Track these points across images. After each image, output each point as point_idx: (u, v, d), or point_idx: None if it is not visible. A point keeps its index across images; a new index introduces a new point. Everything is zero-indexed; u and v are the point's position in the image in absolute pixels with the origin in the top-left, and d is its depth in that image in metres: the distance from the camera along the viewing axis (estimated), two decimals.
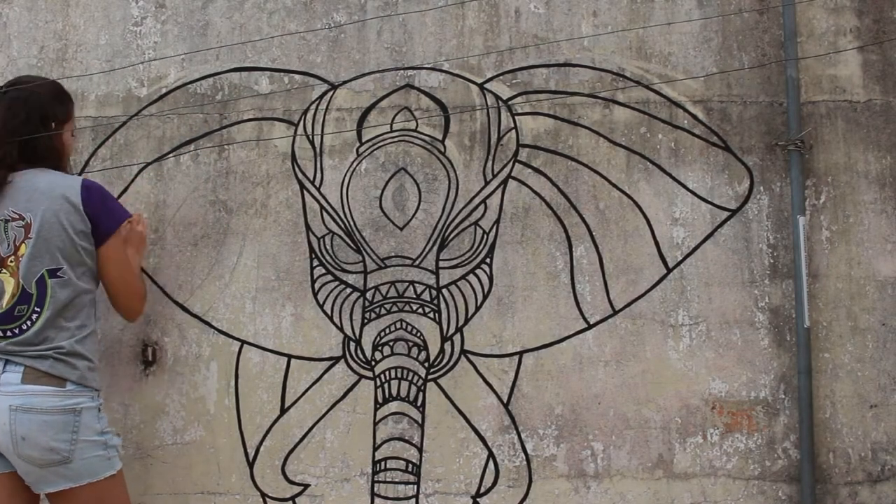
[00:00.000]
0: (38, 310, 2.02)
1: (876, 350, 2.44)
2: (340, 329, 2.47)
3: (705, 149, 2.52)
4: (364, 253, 2.48)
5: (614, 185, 2.50)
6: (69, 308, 2.06)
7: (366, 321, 2.45)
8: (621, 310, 2.46)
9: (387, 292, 2.46)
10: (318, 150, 2.53)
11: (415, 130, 2.53)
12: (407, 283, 2.46)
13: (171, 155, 2.55)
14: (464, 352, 2.45)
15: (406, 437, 2.42)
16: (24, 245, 2.03)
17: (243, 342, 2.47)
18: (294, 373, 2.45)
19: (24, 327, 2.01)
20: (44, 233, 2.04)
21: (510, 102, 2.54)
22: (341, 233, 2.50)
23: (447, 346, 2.45)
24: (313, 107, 2.55)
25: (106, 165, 2.54)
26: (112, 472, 2.05)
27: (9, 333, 2.01)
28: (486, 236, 2.49)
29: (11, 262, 2.04)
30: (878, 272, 2.47)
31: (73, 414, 1.98)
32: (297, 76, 2.56)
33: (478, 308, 2.46)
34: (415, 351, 2.43)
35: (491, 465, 2.42)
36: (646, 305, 2.46)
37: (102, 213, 2.13)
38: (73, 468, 1.98)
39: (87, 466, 2.00)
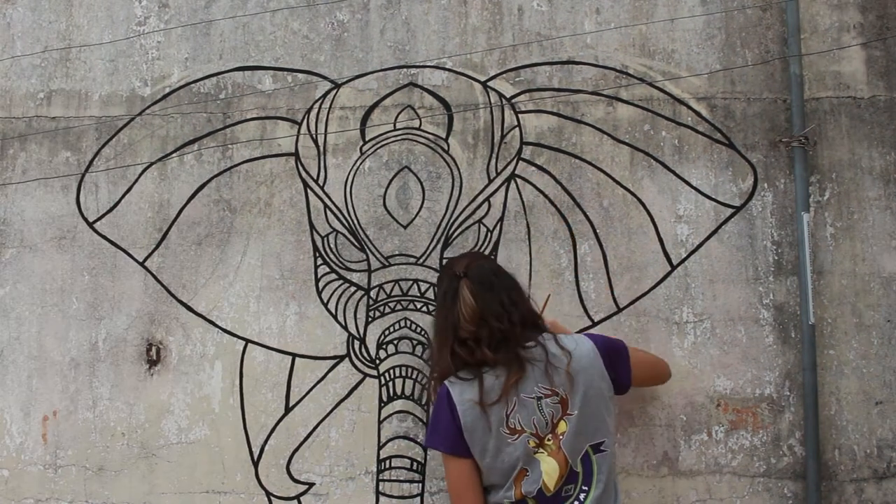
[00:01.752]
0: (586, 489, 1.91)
1: (881, 346, 2.44)
2: (345, 327, 2.47)
3: (709, 146, 2.51)
4: (368, 251, 2.48)
5: (618, 183, 2.50)
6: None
7: (370, 319, 2.45)
8: (626, 307, 2.46)
9: (391, 290, 2.46)
10: (321, 148, 2.53)
11: (418, 129, 2.53)
12: (411, 282, 2.46)
13: (174, 154, 2.55)
14: None
15: (411, 436, 2.42)
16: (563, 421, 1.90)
17: (248, 341, 2.47)
18: (298, 371, 2.45)
19: None
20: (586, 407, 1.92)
21: (513, 100, 2.54)
22: (345, 231, 2.50)
23: None
24: (317, 105, 2.55)
25: (110, 165, 2.55)
26: None
27: None
28: (489, 234, 2.49)
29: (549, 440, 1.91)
30: (883, 268, 2.46)
31: None
32: (300, 75, 2.56)
33: None
34: (419, 349, 2.43)
35: None
36: (650, 303, 2.46)
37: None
38: None
39: None
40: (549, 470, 1.87)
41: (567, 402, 1.89)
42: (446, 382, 1.96)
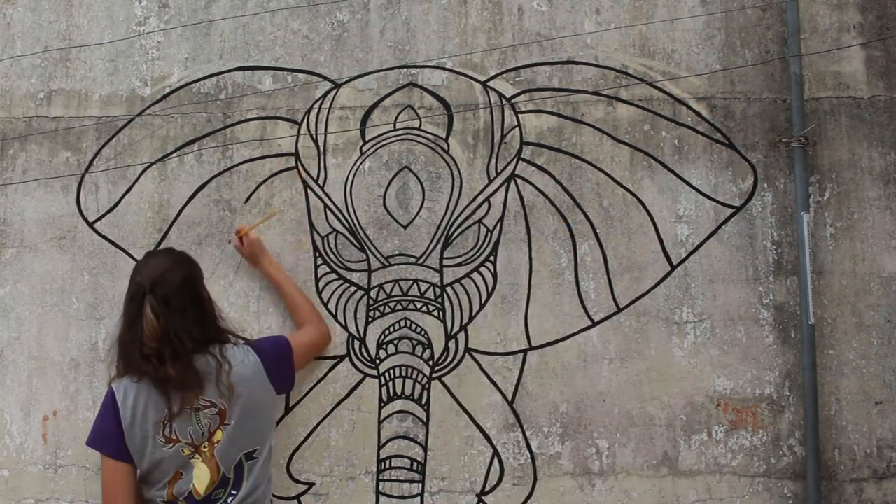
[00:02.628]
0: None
1: (881, 346, 2.44)
2: (345, 327, 2.47)
3: (709, 146, 2.51)
4: (368, 251, 2.48)
5: (618, 183, 2.50)
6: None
7: (370, 319, 2.45)
8: (626, 307, 2.46)
9: (391, 291, 2.46)
10: (321, 148, 2.53)
11: (418, 129, 2.53)
12: (411, 282, 2.46)
13: (174, 154, 2.55)
14: (468, 350, 2.45)
15: (411, 436, 2.42)
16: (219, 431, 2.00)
17: (247, 341, 2.46)
18: (298, 371, 2.45)
19: None
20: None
21: (513, 100, 2.54)
22: (345, 231, 2.50)
23: (451, 344, 2.45)
24: (317, 105, 2.55)
25: (110, 165, 2.55)
26: None
27: None
28: (489, 234, 2.49)
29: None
30: (883, 268, 2.46)
31: None
32: (300, 75, 2.56)
33: (482, 306, 2.46)
34: (419, 349, 2.43)
35: (496, 463, 2.42)
36: (650, 303, 2.46)
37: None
38: None
39: None
40: (200, 475, 1.98)
41: (225, 414, 1.99)
42: (113, 385, 2.01)
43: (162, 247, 2.50)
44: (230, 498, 2.00)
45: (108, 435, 2.00)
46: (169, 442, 1.97)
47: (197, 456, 1.99)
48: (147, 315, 1.94)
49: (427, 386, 2.43)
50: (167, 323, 1.94)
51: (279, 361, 2.15)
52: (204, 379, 1.97)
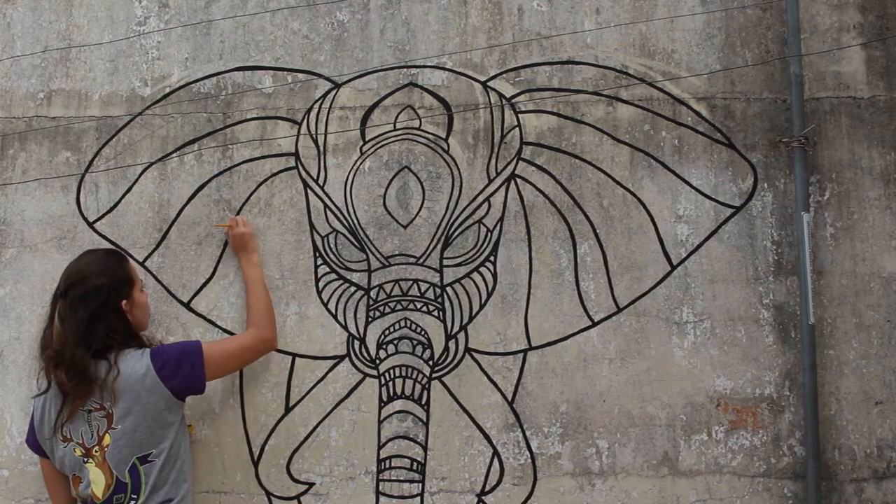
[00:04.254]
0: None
1: (881, 346, 2.44)
2: (345, 327, 2.47)
3: (709, 146, 2.51)
4: (368, 251, 2.48)
5: (618, 183, 2.50)
6: None
7: (370, 319, 2.45)
8: (626, 307, 2.46)
9: (391, 290, 2.46)
10: (321, 148, 2.53)
11: (418, 129, 2.53)
12: (411, 282, 2.46)
13: (174, 154, 2.55)
14: (468, 350, 2.45)
15: (411, 436, 2.42)
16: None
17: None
18: (298, 371, 2.45)
19: None
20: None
21: (513, 100, 2.54)
22: (345, 231, 2.50)
23: (451, 344, 2.45)
24: (317, 105, 2.55)
25: (110, 165, 2.55)
26: None
27: None
28: (489, 234, 2.49)
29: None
30: (883, 268, 2.46)
31: None
32: (300, 75, 2.56)
33: (482, 306, 2.47)
34: (419, 349, 2.43)
35: (496, 463, 2.42)
36: (650, 303, 2.46)
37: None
38: None
39: None
40: (95, 479, 2.04)
41: (112, 417, 2.03)
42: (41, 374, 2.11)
43: (162, 246, 2.50)
44: (132, 502, 2.04)
45: (29, 431, 2.18)
46: (65, 441, 2.06)
47: (90, 460, 2.04)
48: (55, 319, 2.05)
49: (427, 386, 2.43)
50: (69, 329, 2.02)
51: (178, 365, 2.10)
52: (94, 384, 2.02)
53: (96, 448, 2.04)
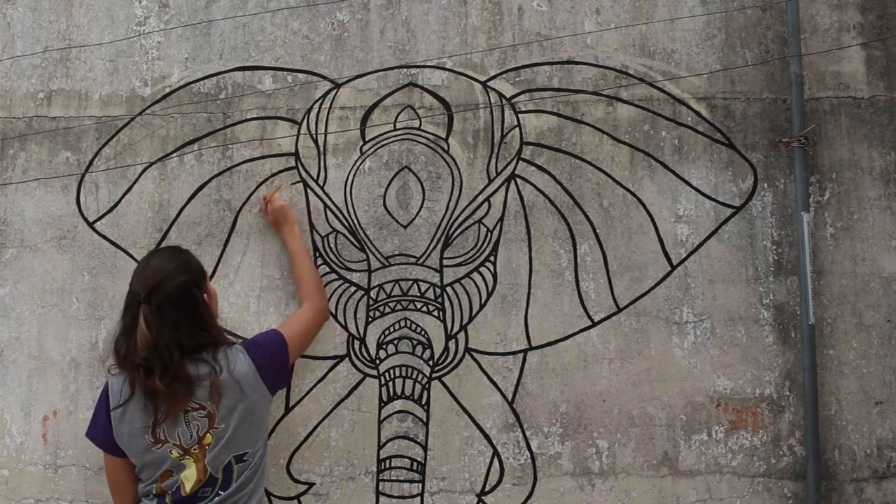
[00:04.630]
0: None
1: (881, 346, 2.44)
2: (345, 327, 2.47)
3: (709, 146, 2.51)
4: (368, 251, 2.48)
5: (618, 183, 2.50)
6: None
7: (370, 319, 2.45)
8: (626, 307, 2.46)
9: (391, 290, 2.46)
10: (321, 148, 2.53)
11: (418, 129, 2.53)
12: (411, 282, 2.46)
13: (174, 154, 2.55)
14: (468, 350, 2.45)
15: (411, 436, 2.42)
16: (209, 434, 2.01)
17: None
18: (298, 371, 2.45)
19: None
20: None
21: (513, 100, 2.54)
22: (345, 231, 2.50)
23: (451, 344, 2.45)
24: (317, 105, 2.55)
25: (110, 165, 2.55)
26: None
27: None
28: (489, 234, 2.49)
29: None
30: (883, 268, 2.46)
31: None
32: (300, 75, 2.56)
33: (482, 306, 2.47)
34: (419, 349, 2.43)
35: (496, 463, 2.42)
36: (650, 303, 2.46)
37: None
38: None
39: None
40: (188, 475, 2.00)
41: (214, 417, 1.99)
42: (111, 379, 2.03)
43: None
44: (217, 497, 2.00)
45: (100, 430, 2.04)
46: (157, 443, 1.98)
47: (188, 457, 1.99)
48: (140, 325, 1.94)
49: (427, 386, 2.43)
50: (159, 334, 1.93)
51: (273, 360, 2.11)
52: (194, 385, 1.96)
53: (195, 447, 1.99)
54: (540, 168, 2.51)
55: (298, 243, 2.41)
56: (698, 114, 2.52)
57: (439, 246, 2.48)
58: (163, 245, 2.49)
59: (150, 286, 1.97)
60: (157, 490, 2.00)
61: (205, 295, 2.07)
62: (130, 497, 2.07)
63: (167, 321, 1.95)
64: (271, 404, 2.13)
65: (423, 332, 2.44)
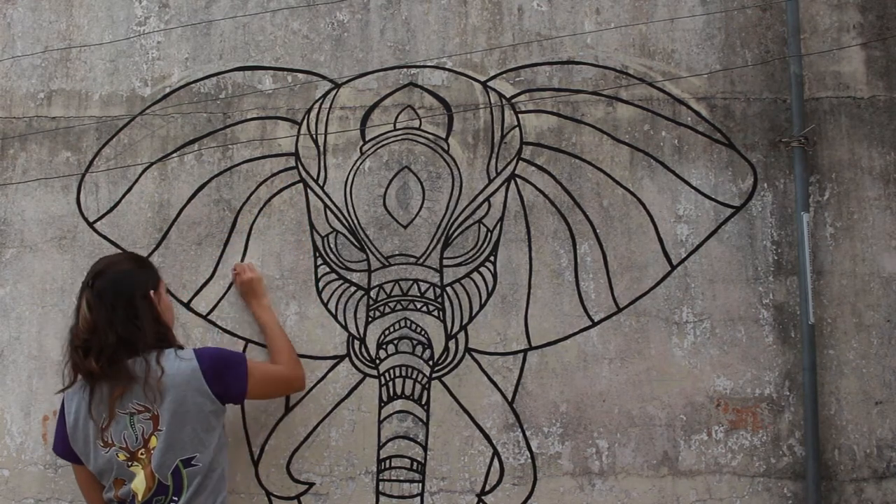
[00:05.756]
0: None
1: (881, 346, 2.44)
2: (345, 327, 2.47)
3: (709, 146, 2.51)
4: (368, 251, 2.48)
5: (618, 183, 2.50)
6: None
7: (370, 319, 2.45)
8: (626, 307, 2.46)
9: (391, 290, 2.46)
10: (321, 148, 2.53)
11: (418, 129, 2.53)
12: (411, 282, 2.46)
13: (174, 154, 2.55)
14: (468, 350, 2.45)
15: (411, 436, 2.42)
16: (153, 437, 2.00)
17: (248, 341, 2.47)
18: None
19: None
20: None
21: (513, 100, 2.54)
22: (345, 231, 2.50)
23: (451, 344, 2.45)
24: (317, 105, 2.55)
25: (110, 165, 2.55)
26: None
27: None
28: (489, 234, 2.49)
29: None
30: (883, 268, 2.47)
31: None
32: (300, 75, 2.56)
33: (482, 306, 2.47)
34: (419, 349, 2.43)
35: (496, 463, 2.42)
36: (650, 303, 2.46)
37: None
38: None
39: None
40: (137, 484, 1.99)
41: (158, 419, 1.98)
42: (68, 390, 2.05)
43: (162, 246, 2.50)
44: None
45: (59, 440, 2.09)
46: (106, 446, 2.00)
47: (135, 464, 1.99)
48: (82, 309, 2.00)
49: (427, 386, 2.43)
50: (97, 316, 1.98)
51: (225, 369, 2.07)
52: (132, 377, 1.97)
53: (142, 451, 1.99)
54: (540, 168, 2.51)
55: (269, 316, 2.42)
56: (698, 114, 2.52)
57: (439, 246, 2.48)
58: (160, 245, 2.49)
59: (96, 272, 2.04)
60: (116, 498, 2.02)
61: (152, 292, 2.07)
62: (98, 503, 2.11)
63: (106, 304, 1.99)
64: (224, 413, 2.08)
65: (423, 332, 2.44)
